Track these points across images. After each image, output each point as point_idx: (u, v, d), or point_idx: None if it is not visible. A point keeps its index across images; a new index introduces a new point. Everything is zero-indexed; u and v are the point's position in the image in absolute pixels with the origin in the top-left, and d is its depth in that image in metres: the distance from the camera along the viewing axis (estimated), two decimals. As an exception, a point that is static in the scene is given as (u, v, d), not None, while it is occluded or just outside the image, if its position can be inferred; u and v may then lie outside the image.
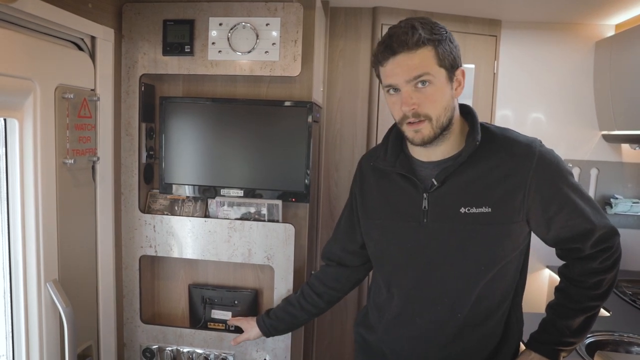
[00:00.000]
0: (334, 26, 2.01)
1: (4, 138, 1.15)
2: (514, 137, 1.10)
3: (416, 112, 1.02)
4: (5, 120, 1.14)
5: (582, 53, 2.18)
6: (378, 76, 1.10)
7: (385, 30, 1.98)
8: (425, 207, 1.10)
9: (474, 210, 1.06)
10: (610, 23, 2.13)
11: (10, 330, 1.21)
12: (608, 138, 2.20)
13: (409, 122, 1.04)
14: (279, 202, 1.55)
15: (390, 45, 1.01)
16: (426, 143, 1.05)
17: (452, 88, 1.05)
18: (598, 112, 2.18)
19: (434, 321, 1.13)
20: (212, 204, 1.59)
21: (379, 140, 2.04)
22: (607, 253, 1.11)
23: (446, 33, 1.03)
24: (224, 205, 1.58)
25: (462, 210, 1.07)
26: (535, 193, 1.05)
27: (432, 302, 1.13)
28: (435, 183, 1.08)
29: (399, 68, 1.01)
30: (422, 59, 1.00)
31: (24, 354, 1.21)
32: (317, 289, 1.39)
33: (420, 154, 1.12)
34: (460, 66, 1.06)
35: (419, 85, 1.01)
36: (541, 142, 1.10)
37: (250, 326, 1.47)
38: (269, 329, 1.44)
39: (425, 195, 1.10)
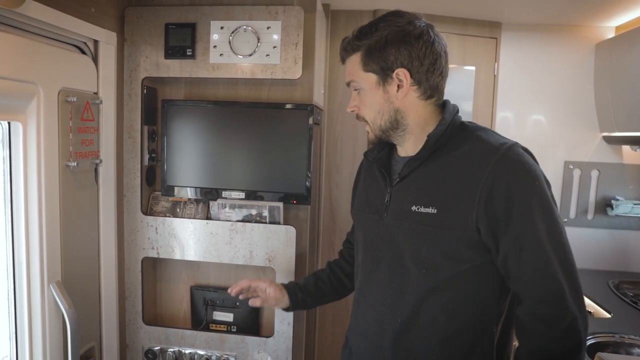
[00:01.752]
0: (335, 29, 2.02)
1: (8, 141, 1.16)
2: (485, 136, 1.00)
3: (358, 114, 1.09)
4: (9, 123, 1.15)
5: (582, 55, 2.18)
6: None
7: (385, 32, 2.00)
8: (387, 201, 1.08)
9: (422, 209, 1.00)
10: (611, 25, 2.13)
11: (13, 331, 1.22)
12: (609, 140, 2.21)
13: None
14: (280, 204, 1.56)
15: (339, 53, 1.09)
16: (373, 142, 1.11)
17: (386, 91, 1.02)
18: (599, 114, 2.19)
19: (378, 320, 1.09)
20: (214, 206, 1.60)
21: (380, 143, 2.06)
22: (563, 343, 0.91)
23: (385, 35, 0.99)
24: (225, 207, 1.59)
25: (413, 208, 1.01)
26: (485, 201, 0.93)
27: (376, 301, 1.09)
28: (398, 177, 1.07)
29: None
30: (351, 65, 1.05)
31: (27, 354, 1.22)
32: (346, 269, 1.35)
33: (398, 149, 1.12)
34: (402, 67, 0.99)
35: (355, 91, 1.07)
36: (516, 146, 0.97)
37: (281, 294, 1.31)
38: (299, 303, 1.33)
39: (389, 189, 1.09)
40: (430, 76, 1.02)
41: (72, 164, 1.27)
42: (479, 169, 0.94)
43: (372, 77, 1.03)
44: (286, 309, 1.34)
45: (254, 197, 1.55)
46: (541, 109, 2.23)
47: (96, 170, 1.43)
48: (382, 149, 1.14)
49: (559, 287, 0.91)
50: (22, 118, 1.14)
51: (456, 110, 1.07)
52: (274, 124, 1.52)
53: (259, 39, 1.48)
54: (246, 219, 1.58)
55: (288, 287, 1.33)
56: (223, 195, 1.56)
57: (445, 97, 1.09)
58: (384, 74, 1.01)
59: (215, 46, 1.50)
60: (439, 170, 1.00)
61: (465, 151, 0.99)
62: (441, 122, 1.03)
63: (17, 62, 1.07)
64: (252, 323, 1.67)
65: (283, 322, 1.59)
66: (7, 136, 1.16)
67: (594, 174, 2.25)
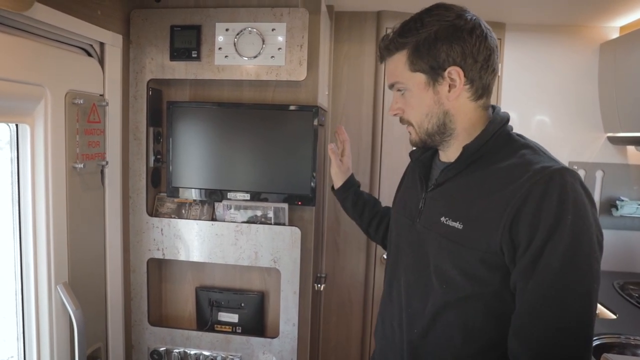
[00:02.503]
0: (339, 30, 2.03)
1: (15, 143, 1.17)
2: (531, 154, 0.90)
3: (401, 117, 1.03)
4: (17, 125, 1.16)
5: (586, 55, 2.18)
6: None
7: (389, 34, 2.01)
8: (421, 207, 1.05)
9: (450, 222, 0.94)
10: (615, 25, 2.13)
11: (21, 331, 1.23)
12: (613, 140, 2.20)
13: None
14: (285, 206, 1.56)
15: (378, 52, 1.03)
16: (416, 145, 1.05)
17: (437, 92, 0.95)
18: (603, 114, 2.18)
19: (399, 326, 1.07)
20: (219, 207, 1.61)
21: (384, 144, 2.07)
22: None
23: (433, 31, 0.92)
24: (230, 208, 1.59)
25: (442, 219, 0.96)
26: (511, 222, 0.84)
27: (400, 307, 1.07)
28: (433, 185, 1.03)
29: (385, 73, 1.02)
30: (394, 65, 0.98)
31: (35, 355, 1.23)
32: (383, 221, 1.40)
33: (440, 154, 1.07)
34: (455, 65, 0.92)
35: (399, 92, 1.00)
36: (564, 170, 0.83)
37: (347, 170, 1.45)
38: (352, 196, 1.43)
39: (424, 194, 1.05)
40: (483, 74, 0.94)
41: (79, 165, 1.28)
42: (514, 188, 0.85)
43: (420, 77, 0.95)
44: (336, 189, 1.45)
45: (258, 198, 1.55)
46: (545, 109, 2.23)
47: (102, 172, 1.44)
48: (426, 150, 1.10)
49: (550, 339, 0.81)
50: (30, 120, 1.15)
51: (505, 120, 0.98)
52: (279, 126, 1.52)
53: (263, 41, 1.48)
54: (251, 220, 1.58)
55: (353, 178, 1.45)
56: (228, 197, 1.56)
57: None
58: (435, 74, 0.94)
59: (220, 48, 1.51)
60: (474, 184, 0.93)
61: (505, 168, 0.90)
62: (482, 133, 0.95)
63: (25, 65, 1.08)
64: (257, 324, 1.68)
65: (288, 322, 1.59)
66: (15, 138, 1.17)
67: (599, 174, 2.25)
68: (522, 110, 2.24)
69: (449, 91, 0.94)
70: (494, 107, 1.02)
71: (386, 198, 2.10)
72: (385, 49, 0.99)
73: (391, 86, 1.02)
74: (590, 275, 0.80)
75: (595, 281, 0.81)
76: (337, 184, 1.45)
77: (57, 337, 1.25)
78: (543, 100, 2.23)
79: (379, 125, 2.06)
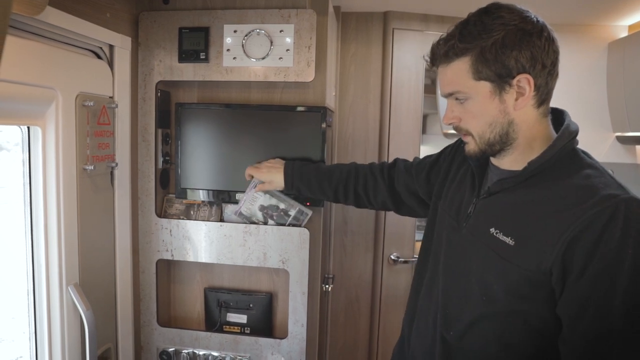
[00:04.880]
0: (346, 31, 2.03)
1: (27, 145, 1.18)
2: (597, 176, 0.85)
3: (457, 126, 0.95)
4: (28, 128, 1.17)
5: (594, 54, 2.16)
6: None
7: (396, 34, 2.01)
8: (470, 212, 1.00)
9: (500, 236, 0.90)
10: (623, 24, 2.11)
11: (33, 331, 1.24)
12: (622, 139, 2.19)
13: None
14: (310, 212, 1.55)
15: (430, 57, 0.94)
16: (474, 157, 0.97)
17: (503, 101, 0.89)
18: (611, 114, 2.17)
19: (434, 323, 1.06)
20: (227, 208, 1.61)
21: (391, 144, 2.07)
22: None
23: (501, 34, 0.85)
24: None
25: (492, 230, 0.92)
26: (567, 246, 0.80)
27: (437, 305, 1.06)
28: (487, 192, 0.98)
29: (439, 80, 0.94)
30: (454, 73, 0.90)
31: (47, 355, 1.24)
32: (359, 189, 1.39)
33: (494, 159, 1.01)
34: (525, 73, 0.86)
35: (457, 101, 0.93)
36: (633, 200, 0.80)
37: (276, 177, 1.44)
38: (292, 187, 1.43)
39: (475, 200, 1.01)
40: (550, 80, 0.90)
41: (89, 167, 1.29)
42: (575, 212, 0.80)
43: (485, 87, 0.88)
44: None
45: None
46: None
47: (112, 174, 1.45)
48: None
49: None
50: (41, 123, 1.16)
51: (574, 134, 0.92)
52: (287, 127, 1.52)
53: (272, 42, 1.49)
54: (270, 209, 1.55)
55: (285, 168, 1.43)
56: (236, 197, 1.57)
57: None
58: (502, 82, 0.87)
59: (228, 50, 1.51)
60: (531, 200, 0.89)
61: (567, 187, 0.85)
62: (549, 149, 0.89)
63: (37, 68, 1.09)
64: (265, 324, 1.68)
65: (297, 323, 1.59)
66: (27, 140, 1.18)
67: (607, 174, 2.23)
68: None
69: (516, 100, 0.88)
70: (560, 112, 0.97)
71: (393, 198, 2.10)
72: (444, 55, 0.90)
73: (448, 95, 0.94)
74: None
75: None
76: (280, 184, 1.45)
77: (68, 337, 1.26)
78: (551, 100, 2.21)
79: (386, 126, 2.06)
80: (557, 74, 0.91)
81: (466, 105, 0.92)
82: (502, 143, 0.92)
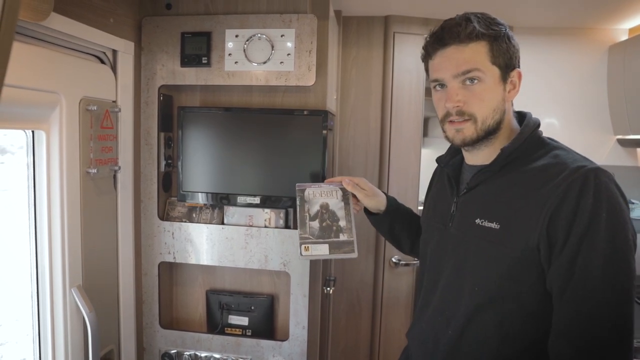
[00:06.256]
0: (347, 35, 2.04)
1: (32, 149, 1.20)
2: (565, 155, 0.92)
3: (460, 109, 0.96)
4: (33, 132, 1.19)
5: (595, 58, 2.17)
6: (426, 71, 1.04)
7: (397, 38, 2.02)
8: (453, 211, 1.06)
9: (486, 223, 0.95)
10: (624, 27, 2.12)
11: (37, 333, 1.25)
12: (623, 142, 2.19)
13: (451, 121, 0.98)
14: (354, 255, 1.34)
15: (441, 37, 0.96)
16: (467, 145, 0.99)
17: (504, 90, 0.96)
18: (612, 117, 2.17)
19: (434, 328, 1.08)
20: (229, 211, 1.62)
21: (392, 147, 2.08)
22: None
23: (505, 30, 0.95)
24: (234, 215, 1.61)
25: (477, 221, 0.97)
26: (549, 220, 0.85)
27: (435, 309, 1.08)
28: (466, 188, 1.03)
29: (447, 62, 0.95)
30: (474, 53, 0.93)
31: (51, 356, 1.25)
32: (418, 231, 1.32)
33: (467, 157, 1.07)
34: (517, 67, 0.97)
35: (467, 82, 0.95)
36: (599, 170, 0.86)
37: (376, 196, 1.31)
38: (389, 217, 1.33)
39: (455, 199, 1.06)
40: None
41: (93, 170, 1.30)
42: (550, 188, 0.86)
43: (496, 72, 0.94)
44: (373, 214, 1.35)
45: (269, 202, 1.57)
46: (554, 112, 2.23)
47: (115, 177, 1.46)
48: (454, 155, 1.11)
49: (599, 338, 0.82)
50: (46, 127, 1.18)
51: (537, 124, 1.01)
52: (288, 130, 1.53)
53: (273, 47, 1.50)
54: (326, 215, 1.30)
55: (387, 196, 1.34)
56: (238, 201, 1.58)
57: None
58: (506, 71, 0.95)
59: (230, 54, 1.53)
60: (508, 185, 0.94)
61: (539, 168, 0.92)
62: (518, 136, 0.97)
63: (41, 73, 1.11)
64: (267, 327, 1.69)
65: (298, 325, 1.60)
66: (31, 144, 1.20)
67: (609, 177, 2.23)
68: (531, 113, 2.23)
69: (509, 92, 0.97)
70: (518, 112, 1.05)
71: (394, 201, 2.11)
72: (467, 36, 0.93)
73: (461, 74, 0.95)
74: (628, 271, 0.83)
75: (634, 277, 0.83)
76: (372, 207, 1.33)
77: (71, 339, 1.27)
78: (552, 103, 2.22)
79: (387, 129, 2.06)
80: None
81: (475, 88, 0.95)
82: (495, 132, 0.98)
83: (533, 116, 1.03)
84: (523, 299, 0.92)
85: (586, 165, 0.87)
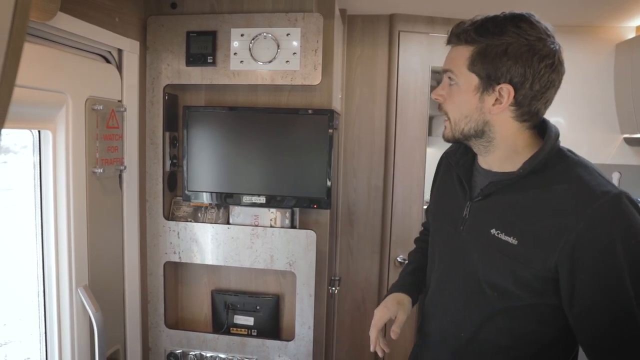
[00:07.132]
0: (352, 33, 2.03)
1: (38, 148, 1.20)
2: (587, 176, 0.90)
3: (440, 106, 1.00)
4: (39, 131, 1.19)
5: (602, 55, 2.15)
6: None
7: (402, 37, 2.01)
8: (465, 215, 1.04)
9: (502, 236, 0.94)
10: (631, 25, 2.10)
11: (43, 333, 1.25)
12: (630, 141, 2.17)
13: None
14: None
15: (450, 32, 0.98)
16: (448, 141, 1.02)
17: (482, 100, 0.93)
18: (619, 115, 2.16)
19: (442, 331, 1.09)
20: (234, 210, 1.62)
21: (397, 146, 2.07)
22: None
23: (507, 41, 0.89)
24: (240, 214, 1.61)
25: (493, 231, 0.96)
26: (572, 248, 0.85)
27: (444, 312, 1.09)
28: (480, 195, 1.01)
29: (446, 56, 0.99)
30: (457, 55, 0.95)
31: (57, 356, 1.25)
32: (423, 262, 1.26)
33: (481, 160, 1.05)
34: (510, 84, 0.90)
35: (449, 81, 0.97)
36: (622, 195, 0.86)
37: (402, 311, 1.15)
38: (417, 300, 1.24)
39: (468, 203, 1.04)
40: (534, 102, 0.93)
41: (99, 170, 1.30)
42: (574, 212, 0.86)
43: (473, 79, 0.93)
44: None
45: (274, 201, 1.56)
46: (561, 110, 2.21)
47: (120, 177, 1.46)
48: (465, 154, 1.09)
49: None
50: (52, 126, 1.18)
51: (557, 136, 0.97)
52: (294, 129, 1.53)
53: (278, 46, 1.49)
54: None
55: (405, 298, 1.18)
56: (243, 200, 1.57)
57: None
58: (487, 82, 0.92)
59: (235, 53, 1.52)
60: (528, 201, 0.93)
61: (562, 190, 0.90)
62: (540, 151, 0.94)
63: (48, 73, 1.11)
64: (272, 327, 1.69)
65: (304, 325, 1.59)
66: (38, 144, 1.19)
67: (615, 176, 2.22)
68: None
69: (493, 105, 0.93)
70: (543, 122, 1.00)
71: (399, 199, 2.10)
72: (456, 36, 0.95)
73: (444, 71, 0.99)
74: None
75: None
76: (409, 305, 1.20)
77: (77, 338, 1.27)
78: (558, 101, 2.17)
79: (392, 128, 2.06)
80: (546, 102, 0.95)
81: (452, 89, 0.97)
82: (477, 137, 0.97)
83: (551, 123, 1.00)
84: (542, 310, 0.94)
85: (610, 190, 0.86)
